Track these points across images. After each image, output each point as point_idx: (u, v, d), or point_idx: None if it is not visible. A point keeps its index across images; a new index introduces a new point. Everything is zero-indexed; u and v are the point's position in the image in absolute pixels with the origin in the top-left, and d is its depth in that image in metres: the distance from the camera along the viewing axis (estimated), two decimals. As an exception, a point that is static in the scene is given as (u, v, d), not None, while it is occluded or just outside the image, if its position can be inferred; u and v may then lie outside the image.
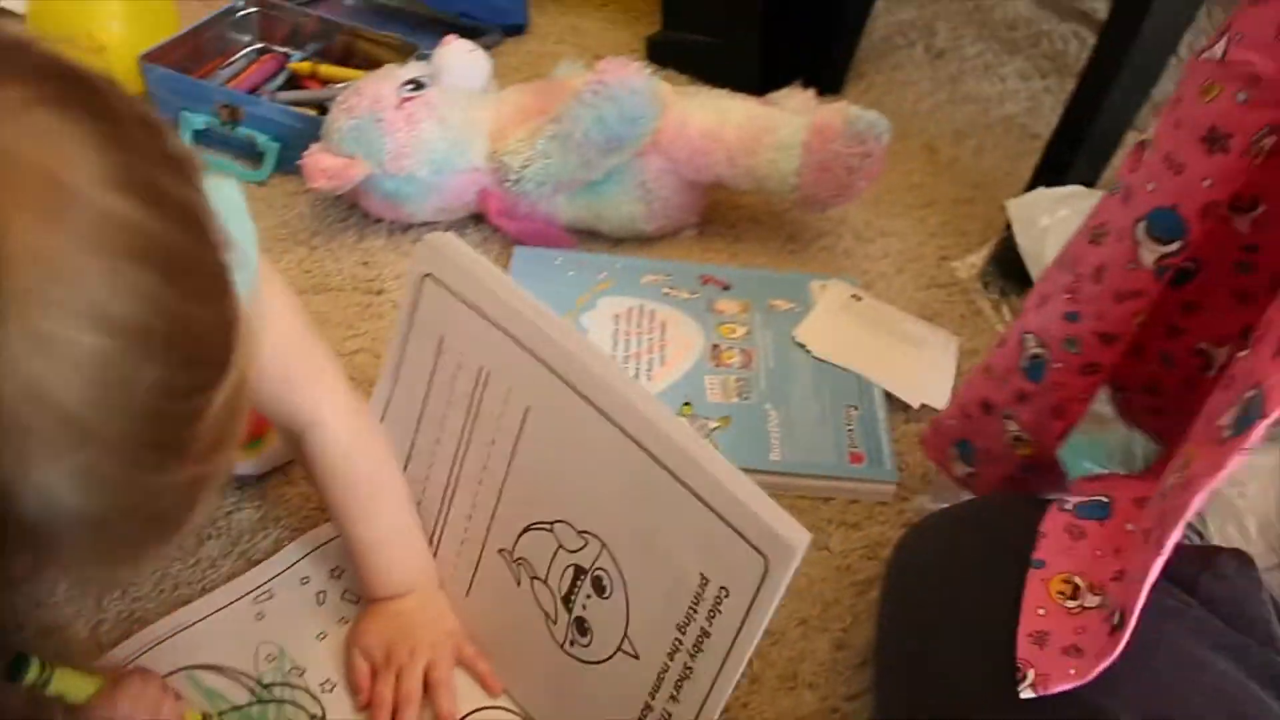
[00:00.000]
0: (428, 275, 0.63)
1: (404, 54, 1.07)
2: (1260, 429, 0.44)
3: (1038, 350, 0.58)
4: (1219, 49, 0.49)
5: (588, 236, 0.94)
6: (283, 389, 0.59)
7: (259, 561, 0.67)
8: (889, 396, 0.80)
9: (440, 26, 1.22)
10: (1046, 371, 0.58)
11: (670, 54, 1.20)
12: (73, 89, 0.34)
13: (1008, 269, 0.90)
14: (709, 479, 0.51)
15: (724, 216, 1.00)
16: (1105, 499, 0.56)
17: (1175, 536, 0.45)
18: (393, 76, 0.89)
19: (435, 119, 0.86)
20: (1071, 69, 1.27)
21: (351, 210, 0.94)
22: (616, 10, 1.30)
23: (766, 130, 0.87)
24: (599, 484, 0.56)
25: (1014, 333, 0.60)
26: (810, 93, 1.00)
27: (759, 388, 0.79)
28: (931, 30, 1.33)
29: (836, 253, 0.97)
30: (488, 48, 1.19)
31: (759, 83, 1.12)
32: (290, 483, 0.72)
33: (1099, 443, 0.68)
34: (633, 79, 0.81)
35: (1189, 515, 0.45)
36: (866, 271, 0.95)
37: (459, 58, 0.89)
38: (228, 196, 0.55)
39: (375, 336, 0.84)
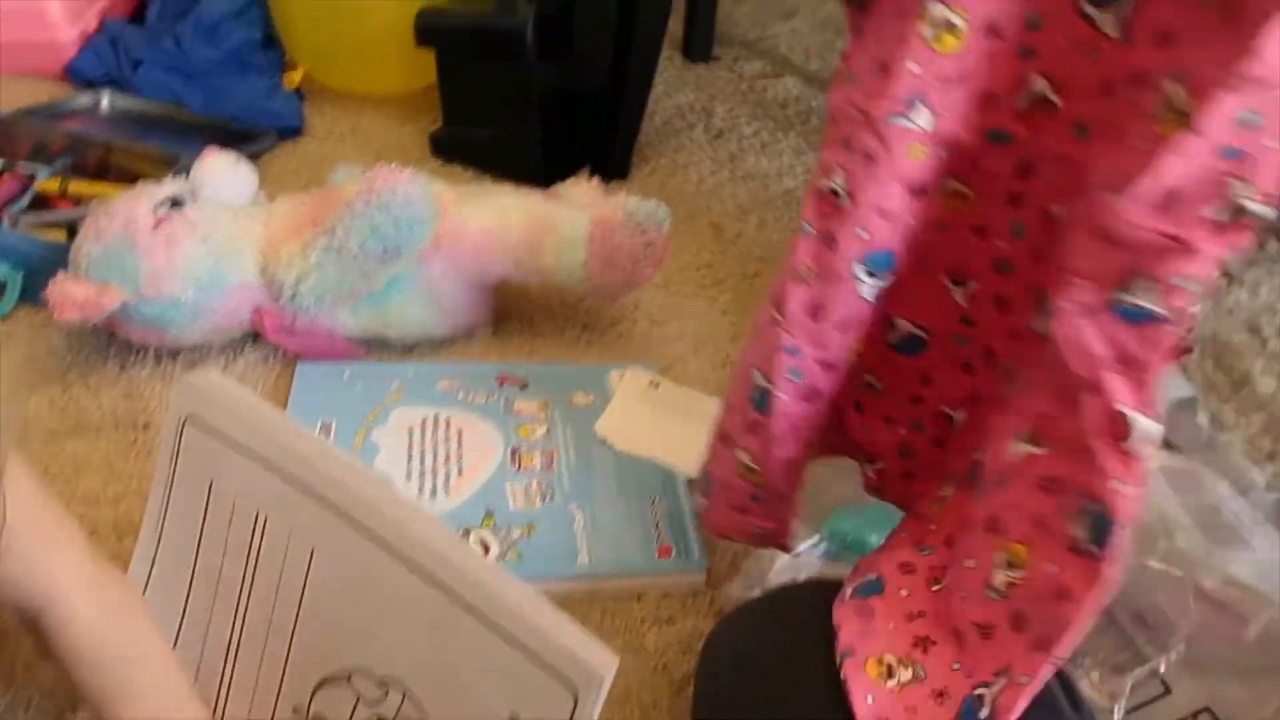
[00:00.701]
0: (189, 418, 0.58)
1: (166, 165, 1.01)
2: (1123, 539, 0.48)
3: (763, 383, 0.61)
4: (922, 118, 0.54)
5: (378, 344, 0.91)
6: (14, 569, 0.53)
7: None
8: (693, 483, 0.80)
9: (210, 132, 1.17)
10: (771, 401, 0.61)
11: (454, 149, 1.19)
12: None
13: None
14: (506, 610, 0.49)
15: (518, 311, 0.98)
16: (874, 575, 0.58)
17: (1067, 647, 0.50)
18: (147, 195, 0.83)
19: (197, 238, 0.81)
20: (840, 142, 1.35)
21: (111, 339, 0.87)
22: (396, 107, 1.29)
23: (549, 228, 0.87)
24: (394, 626, 0.53)
25: (743, 367, 0.63)
26: (594, 182, 1.01)
27: (562, 489, 0.77)
28: (709, 112, 1.38)
29: (633, 338, 0.97)
30: (261, 153, 1.15)
31: (543, 175, 1.12)
32: (45, 657, 0.64)
33: (882, 510, 0.70)
34: (405, 186, 0.79)
35: (1083, 626, 0.50)
36: (664, 355, 0.95)
37: (220, 171, 0.85)
38: None
39: (143, 477, 0.77)
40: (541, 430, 0.82)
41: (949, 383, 0.66)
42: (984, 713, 0.51)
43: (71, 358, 0.86)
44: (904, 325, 0.64)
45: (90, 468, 0.77)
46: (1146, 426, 0.49)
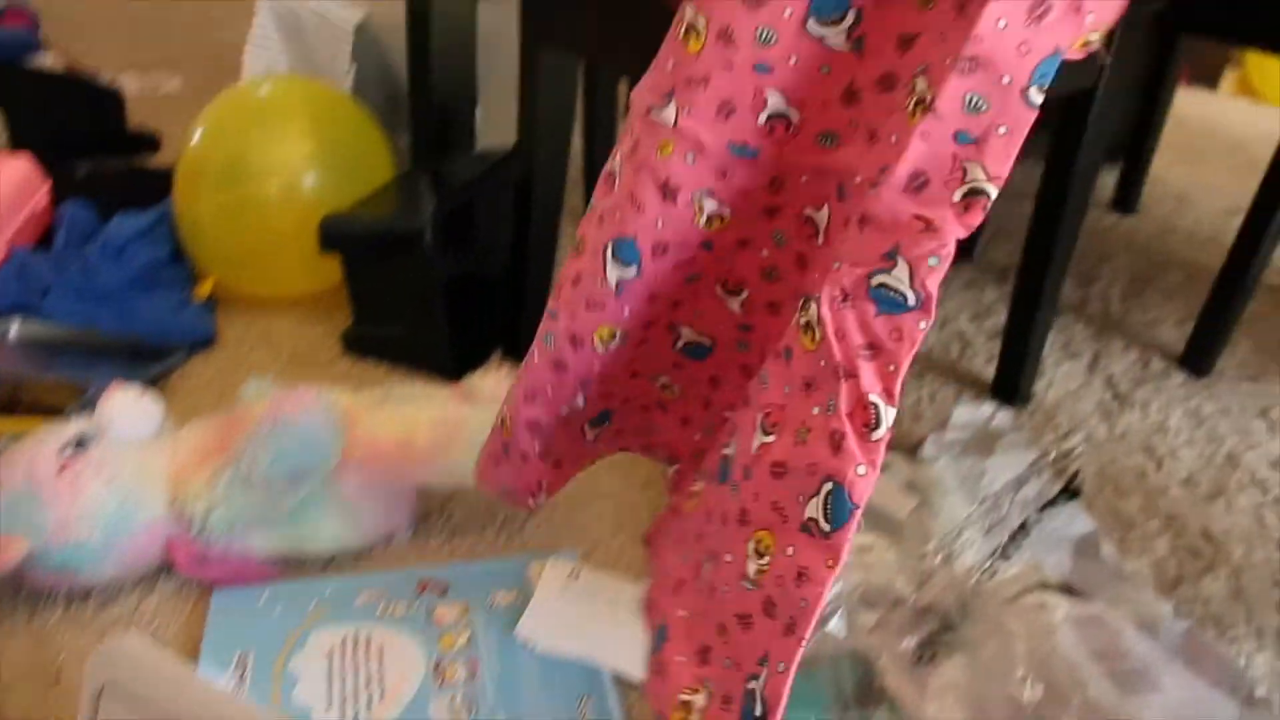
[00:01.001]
0: (105, 687, 0.57)
1: (74, 395, 1.02)
2: (856, 521, 0.53)
3: (531, 345, 0.68)
4: (670, 114, 0.59)
5: (293, 561, 0.91)
6: None
7: None
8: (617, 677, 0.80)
9: (120, 352, 1.18)
10: (526, 360, 0.67)
11: (365, 347, 1.21)
12: None
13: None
14: None
15: (438, 507, 0.99)
16: (659, 623, 0.63)
17: (811, 628, 0.53)
18: (52, 438, 0.83)
19: (103, 479, 0.81)
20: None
21: (18, 585, 0.85)
22: (307, 309, 1.31)
23: (458, 426, 0.88)
24: None
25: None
26: (504, 370, 1.03)
27: (487, 700, 0.77)
28: (616, 281, 1.43)
29: (553, 525, 0.98)
30: (173, 368, 1.16)
31: (454, 367, 1.15)
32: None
33: (814, 676, 0.71)
34: (309, 407, 0.80)
35: (821, 607, 0.53)
36: (585, 539, 0.96)
37: (126, 407, 0.85)
38: None
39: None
40: (464, 638, 0.82)
41: (734, 386, 0.70)
42: (759, 710, 0.53)
43: (-23, 609, 0.85)
44: (688, 333, 0.69)
45: (-4, 731, 0.75)
46: (888, 417, 0.53)
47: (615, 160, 0.63)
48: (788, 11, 0.57)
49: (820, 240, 0.61)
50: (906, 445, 1.04)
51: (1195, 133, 2.18)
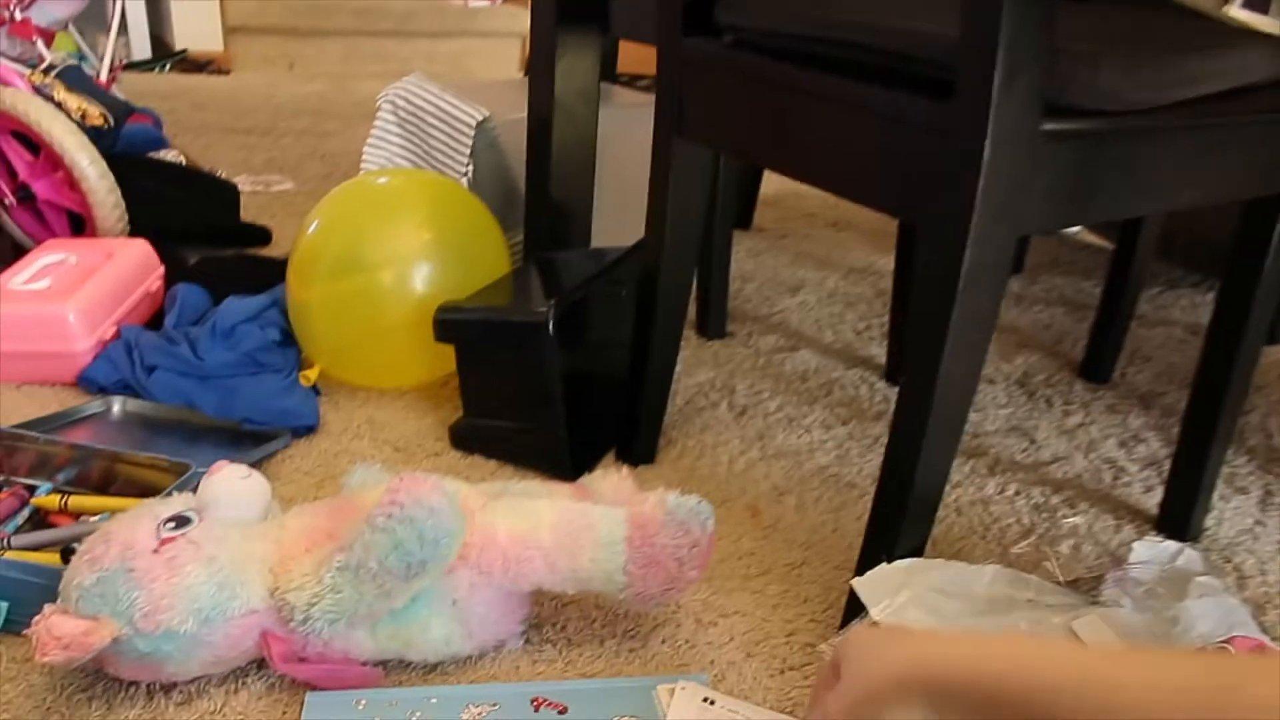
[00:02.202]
0: None
1: (173, 474, 0.96)
2: None
3: None
4: None
5: (396, 665, 0.81)
6: None
7: None
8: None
9: (222, 435, 1.13)
10: None
11: (475, 441, 1.15)
12: None
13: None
14: None
15: (552, 617, 0.90)
16: None
17: None
18: (150, 515, 0.77)
19: (201, 560, 0.74)
20: (868, 413, 1.32)
21: (98, 675, 0.77)
22: (414, 398, 1.26)
23: (585, 528, 0.80)
24: None
25: None
26: (624, 473, 0.96)
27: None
28: (731, 389, 1.36)
29: (678, 644, 0.88)
30: (274, 453, 1.11)
31: (569, 465, 1.07)
32: None
33: None
34: (430, 497, 0.73)
35: None
36: (715, 661, 0.86)
37: (230, 486, 0.79)
38: None
39: None
40: (586, 769, 0.71)
41: None
42: None
43: (51, 699, 0.77)
44: None
45: (58, 842, 0.66)
46: None
47: None
48: None
49: None
50: (1075, 580, 0.92)
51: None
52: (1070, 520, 1.09)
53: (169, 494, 0.84)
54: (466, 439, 1.15)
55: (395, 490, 0.73)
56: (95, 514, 0.93)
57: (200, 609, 0.73)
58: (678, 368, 1.38)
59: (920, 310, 0.80)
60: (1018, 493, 1.15)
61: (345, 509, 0.80)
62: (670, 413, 1.26)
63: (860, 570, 0.85)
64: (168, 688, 0.78)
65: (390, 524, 0.71)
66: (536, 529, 0.80)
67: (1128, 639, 0.81)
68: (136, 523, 0.77)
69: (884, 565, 0.83)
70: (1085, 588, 0.89)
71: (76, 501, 0.95)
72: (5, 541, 0.89)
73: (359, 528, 0.73)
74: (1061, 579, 0.90)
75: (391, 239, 1.23)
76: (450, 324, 1.12)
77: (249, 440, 1.10)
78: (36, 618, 0.72)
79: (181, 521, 0.77)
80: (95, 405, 1.15)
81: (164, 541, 0.75)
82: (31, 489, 0.97)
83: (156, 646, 0.73)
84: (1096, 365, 1.45)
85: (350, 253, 1.22)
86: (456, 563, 0.77)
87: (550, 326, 1.05)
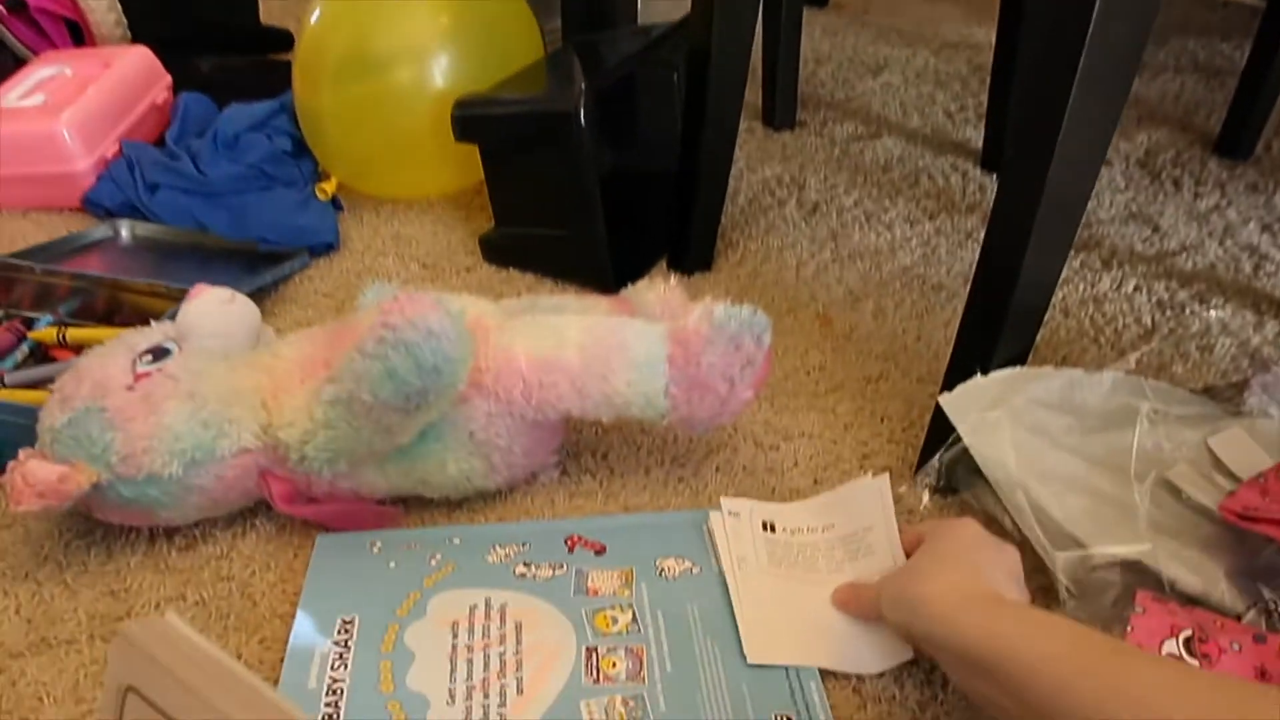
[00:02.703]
0: (130, 689, 0.41)
1: (175, 301, 0.87)
2: None
3: None
4: None
5: (416, 501, 0.73)
6: None
7: None
8: (829, 677, 0.59)
9: (237, 257, 1.04)
10: None
11: (508, 253, 1.02)
12: None
13: (963, 476, 0.71)
14: None
15: (592, 444, 0.80)
16: None
17: None
18: (125, 348, 0.68)
19: (181, 396, 0.65)
20: (959, 205, 1.15)
21: (96, 520, 0.71)
22: (444, 209, 1.14)
23: (617, 347, 0.68)
24: None
25: None
26: (673, 282, 0.82)
27: (657, 709, 0.57)
28: (801, 184, 1.20)
29: (734, 472, 0.77)
30: (291, 275, 1.01)
31: (611, 274, 0.95)
32: None
33: None
34: (428, 317, 0.61)
35: None
36: (776, 489, 0.75)
37: (209, 312, 0.69)
38: None
39: None
40: (625, 619, 0.62)
41: None
42: None
43: (49, 547, 0.71)
44: None
45: (55, 698, 0.60)
46: None
47: None
48: None
49: None
50: (1211, 388, 0.77)
51: None
52: (1204, 316, 0.93)
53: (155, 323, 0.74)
54: (499, 251, 1.03)
55: (388, 311, 0.62)
56: (95, 345, 0.85)
57: (184, 450, 0.64)
58: (739, 162, 1.22)
59: (1034, 61, 0.63)
60: (1137, 288, 0.99)
61: (345, 334, 0.69)
62: (731, 214, 1.11)
63: (948, 384, 0.71)
64: (169, 532, 0.71)
65: (382, 349, 0.60)
66: (561, 350, 0.68)
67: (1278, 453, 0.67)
68: (110, 357, 0.68)
69: (977, 378, 0.69)
70: (1224, 396, 0.74)
71: (75, 334, 0.87)
72: (0, 380, 0.82)
73: (348, 355, 0.62)
74: (1195, 386, 0.76)
75: (404, 28, 1.08)
76: (470, 120, 0.98)
77: (265, 262, 1.01)
78: (11, 463, 0.65)
79: (159, 354, 0.68)
80: (101, 230, 1.06)
81: (139, 377, 0.66)
82: (30, 322, 0.90)
83: (141, 492, 0.65)
84: (1236, 139, 1.23)
85: (359, 48, 1.07)
86: (469, 390, 0.67)
87: (582, 115, 0.90)
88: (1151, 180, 1.19)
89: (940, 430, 0.71)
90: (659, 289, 0.82)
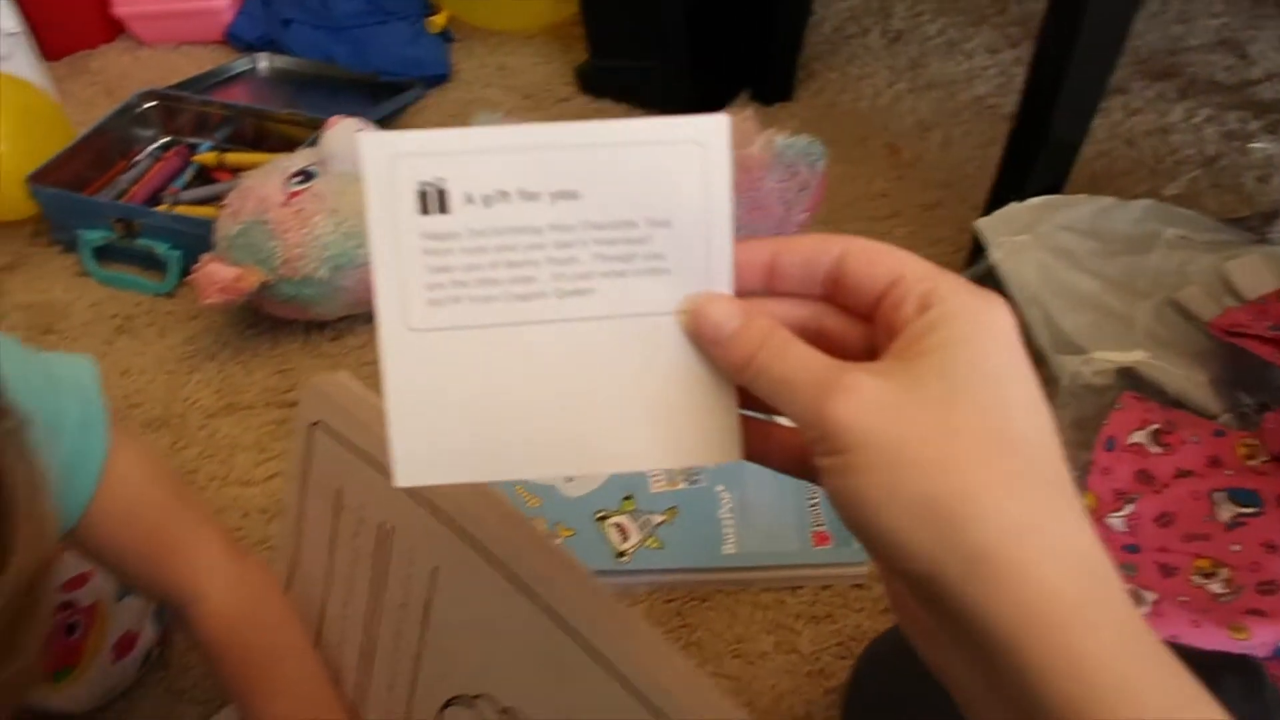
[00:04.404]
0: (316, 424, 0.55)
1: (311, 129, 1.00)
2: None
3: None
4: None
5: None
6: (155, 569, 0.53)
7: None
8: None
9: (360, 88, 1.15)
10: None
11: (602, 83, 1.11)
12: None
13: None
14: (635, 663, 0.42)
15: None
16: None
17: None
18: (279, 170, 0.82)
19: (325, 211, 0.79)
20: (1043, 33, 1.17)
21: (262, 314, 0.87)
22: (545, 42, 1.22)
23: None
24: (515, 656, 0.48)
25: None
26: (747, 112, 0.90)
27: (708, 467, 0.70)
28: (888, 12, 1.23)
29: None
30: (408, 104, 1.12)
31: (695, 104, 1.03)
32: (194, 648, 0.66)
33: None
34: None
35: None
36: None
37: (346, 139, 0.81)
38: (74, 376, 0.50)
39: (291, 458, 0.76)
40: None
41: None
42: None
43: (227, 335, 0.87)
44: None
45: (243, 447, 0.78)
46: None
47: None
48: None
49: None
50: (1244, 217, 0.82)
51: None
52: (1258, 146, 0.96)
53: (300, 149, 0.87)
54: (594, 82, 1.11)
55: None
56: (248, 169, 1.00)
57: (330, 256, 0.79)
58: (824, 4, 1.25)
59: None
60: (1209, 119, 1.01)
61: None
62: (814, 42, 1.16)
63: (988, 212, 0.79)
64: (321, 325, 0.87)
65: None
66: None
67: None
68: (267, 178, 0.81)
69: (1012, 204, 0.77)
70: (1251, 224, 0.80)
71: (232, 158, 1.01)
72: (175, 196, 0.97)
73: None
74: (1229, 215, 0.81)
75: None
76: (567, -45, 1.05)
77: (385, 92, 1.12)
78: (195, 265, 0.80)
79: (306, 176, 0.81)
80: (243, 63, 1.19)
81: (291, 195, 0.80)
82: (193, 147, 1.04)
83: (299, 290, 0.80)
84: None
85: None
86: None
87: (669, -49, 0.96)
88: (1253, 3, 1.18)
89: (978, 253, 0.79)
90: (737, 118, 0.90)
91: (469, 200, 0.29)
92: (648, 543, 0.67)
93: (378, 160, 0.29)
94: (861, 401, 0.25)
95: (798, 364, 0.27)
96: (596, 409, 0.31)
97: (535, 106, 1.12)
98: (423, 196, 0.29)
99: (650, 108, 1.08)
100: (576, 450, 0.31)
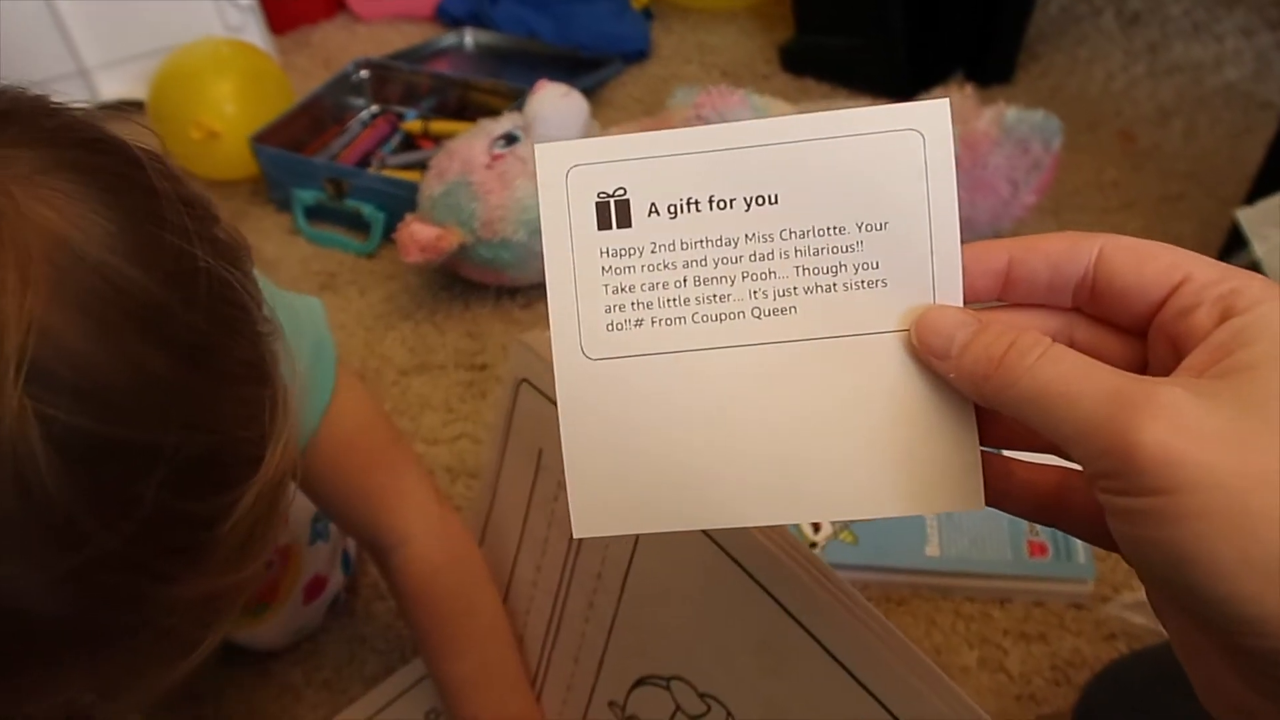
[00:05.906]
0: (524, 381, 0.54)
1: (512, 99, 1.01)
2: None
3: None
4: None
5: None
6: (364, 506, 0.53)
7: (346, 697, 0.61)
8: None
9: (561, 62, 1.16)
10: None
11: (807, 61, 1.07)
12: (100, 158, 0.30)
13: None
14: (861, 646, 0.38)
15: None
16: None
17: None
18: (484, 133, 0.82)
19: (527, 174, 0.78)
20: (1310, 15, 1.04)
21: (457, 277, 0.88)
22: (747, 19, 1.19)
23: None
24: (722, 638, 0.44)
25: None
26: (968, 89, 0.84)
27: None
28: (1123, -9, 1.13)
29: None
30: (607, 79, 1.11)
31: (907, 83, 0.97)
32: (382, 597, 0.66)
33: None
34: (737, 111, 0.69)
35: None
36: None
37: (551, 104, 0.81)
38: (308, 311, 0.51)
39: (477, 420, 0.76)
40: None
41: None
42: None
43: (423, 296, 0.89)
44: None
45: (432, 406, 0.78)
46: None
47: None
48: None
49: None
50: None
51: None
52: None
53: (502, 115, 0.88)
54: (798, 60, 1.07)
55: (701, 104, 0.70)
56: (451, 137, 1.01)
57: (529, 220, 0.78)
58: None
59: None
60: None
61: (661, 124, 0.79)
62: (1038, 22, 1.08)
63: (1251, 202, 0.70)
64: (512, 291, 0.86)
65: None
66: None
67: None
68: (473, 140, 0.82)
69: (1281, 194, 0.68)
70: None
71: (437, 126, 1.03)
72: (382, 160, 1.00)
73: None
74: None
75: None
76: (781, -73, 1.01)
77: (585, 67, 1.12)
78: (399, 225, 0.81)
79: (510, 139, 0.81)
80: (450, 38, 1.21)
81: (495, 158, 0.80)
82: (401, 115, 1.07)
83: (496, 254, 0.80)
84: None
85: None
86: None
87: (891, -80, 0.91)
88: None
89: (1228, 250, 0.71)
90: (952, 96, 0.84)
91: (653, 211, 0.26)
92: (841, 535, 0.63)
93: (553, 173, 0.26)
94: (1185, 427, 0.19)
95: (1075, 371, 0.21)
96: (805, 447, 0.27)
97: (735, 84, 1.08)
98: (602, 209, 0.27)
99: (854, 87, 1.03)
100: (782, 497, 0.27)
